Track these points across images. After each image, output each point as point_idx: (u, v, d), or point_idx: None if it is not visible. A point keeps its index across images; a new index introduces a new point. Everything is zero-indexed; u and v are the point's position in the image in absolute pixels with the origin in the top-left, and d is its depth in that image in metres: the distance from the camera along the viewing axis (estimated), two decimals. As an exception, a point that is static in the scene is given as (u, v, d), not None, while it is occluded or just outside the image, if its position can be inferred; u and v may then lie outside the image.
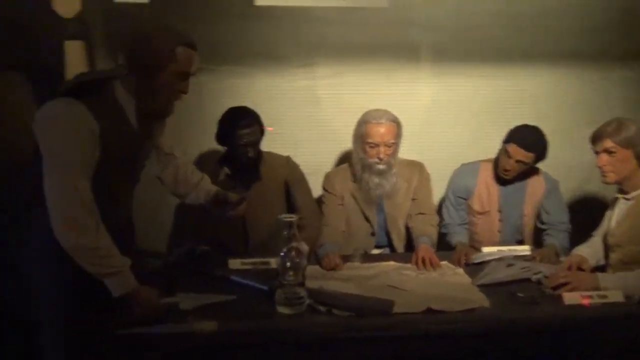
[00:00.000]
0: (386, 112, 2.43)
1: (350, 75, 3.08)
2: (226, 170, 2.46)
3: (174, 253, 2.41)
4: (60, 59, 2.54)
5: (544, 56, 3.14)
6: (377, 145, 2.36)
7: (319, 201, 2.61)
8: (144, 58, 1.62)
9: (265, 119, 3.02)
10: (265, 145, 2.96)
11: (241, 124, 2.34)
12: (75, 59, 2.58)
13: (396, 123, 2.41)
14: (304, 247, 2.19)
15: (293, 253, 1.81)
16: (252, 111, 2.43)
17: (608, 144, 2.10)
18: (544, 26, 3.00)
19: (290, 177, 2.51)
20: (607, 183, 2.16)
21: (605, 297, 1.85)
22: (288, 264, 1.81)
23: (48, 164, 1.56)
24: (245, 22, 2.85)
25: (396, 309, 1.81)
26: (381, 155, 2.36)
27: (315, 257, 2.30)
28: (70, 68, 2.55)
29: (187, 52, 1.67)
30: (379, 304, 1.84)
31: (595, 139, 2.15)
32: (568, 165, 3.09)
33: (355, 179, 2.49)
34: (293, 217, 1.84)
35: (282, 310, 1.81)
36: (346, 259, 2.31)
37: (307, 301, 1.84)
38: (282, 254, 1.81)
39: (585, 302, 1.86)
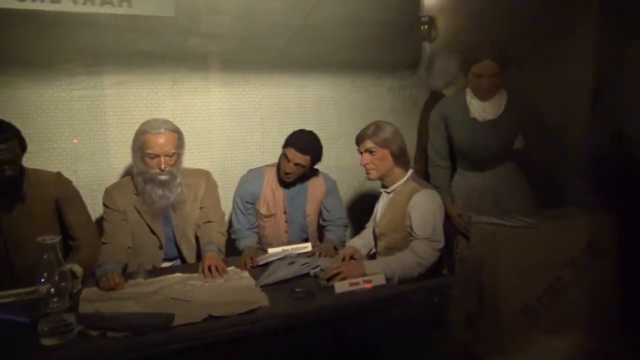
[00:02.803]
0: (165, 121, 2.37)
1: (136, 84, 2.97)
2: (-20, 192, 2.15)
3: None
4: None
5: (324, 66, 3.38)
6: (157, 155, 2.29)
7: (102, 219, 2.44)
8: None
9: (36, 133, 2.75)
10: (41, 163, 2.70)
11: (-6, 140, 2.06)
12: None
13: (177, 132, 2.36)
14: (77, 269, 2.05)
15: (56, 277, 1.67)
16: (9, 124, 2.15)
17: (368, 144, 2.34)
18: (323, 37, 3.21)
19: (60, 195, 2.28)
20: (370, 179, 2.40)
21: (369, 281, 2.04)
22: (52, 289, 1.66)
23: None
24: (7, 27, 2.55)
25: (176, 322, 1.77)
26: (162, 166, 2.29)
27: (94, 279, 2.15)
28: None
29: None
30: (157, 318, 1.78)
31: (358, 140, 2.39)
32: (350, 165, 3.38)
33: (138, 191, 2.38)
34: (54, 239, 1.69)
35: (47, 342, 1.65)
36: (130, 276, 2.21)
37: (78, 328, 1.70)
38: (42, 279, 1.65)
39: (367, 286, 2.04)
